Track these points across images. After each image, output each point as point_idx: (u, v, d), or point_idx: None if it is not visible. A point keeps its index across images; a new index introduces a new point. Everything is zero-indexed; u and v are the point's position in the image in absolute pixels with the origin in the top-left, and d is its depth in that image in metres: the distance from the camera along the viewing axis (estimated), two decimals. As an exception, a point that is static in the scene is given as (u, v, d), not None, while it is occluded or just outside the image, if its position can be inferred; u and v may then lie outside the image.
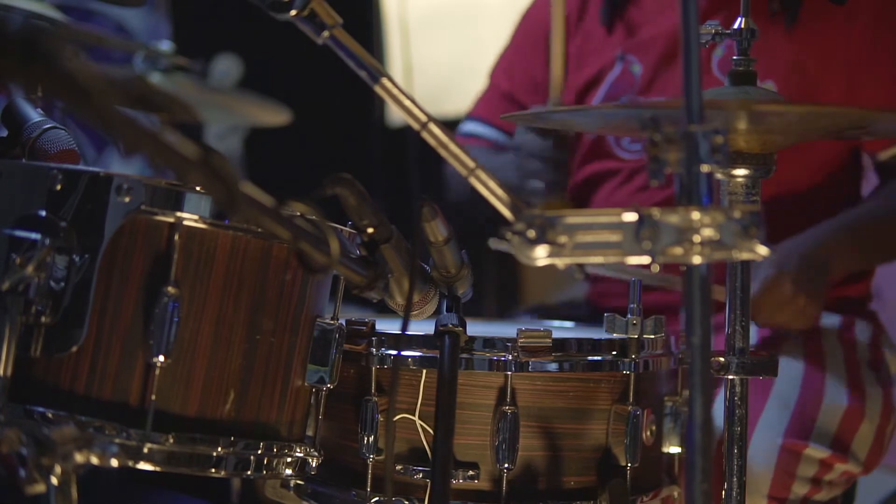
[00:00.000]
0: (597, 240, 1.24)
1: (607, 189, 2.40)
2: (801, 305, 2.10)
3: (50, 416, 1.40)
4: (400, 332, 1.54)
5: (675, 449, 1.83)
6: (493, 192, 1.44)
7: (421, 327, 1.67)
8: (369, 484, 1.68)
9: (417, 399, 1.68)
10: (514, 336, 1.66)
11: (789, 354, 2.13)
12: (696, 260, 1.23)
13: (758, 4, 1.69)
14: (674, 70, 2.31)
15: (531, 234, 1.25)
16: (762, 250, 1.22)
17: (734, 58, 1.71)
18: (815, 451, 2.00)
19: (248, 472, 1.51)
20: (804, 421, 2.03)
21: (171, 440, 1.43)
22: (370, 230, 1.55)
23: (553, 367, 1.69)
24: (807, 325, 2.14)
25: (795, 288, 2.09)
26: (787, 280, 2.09)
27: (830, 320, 2.26)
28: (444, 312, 1.58)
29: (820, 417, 2.05)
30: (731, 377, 1.70)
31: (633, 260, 1.24)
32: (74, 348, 1.41)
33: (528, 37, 2.56)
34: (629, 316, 1.71)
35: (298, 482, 1.73)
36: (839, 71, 2.24)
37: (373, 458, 1.68)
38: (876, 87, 2.24)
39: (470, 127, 2.59)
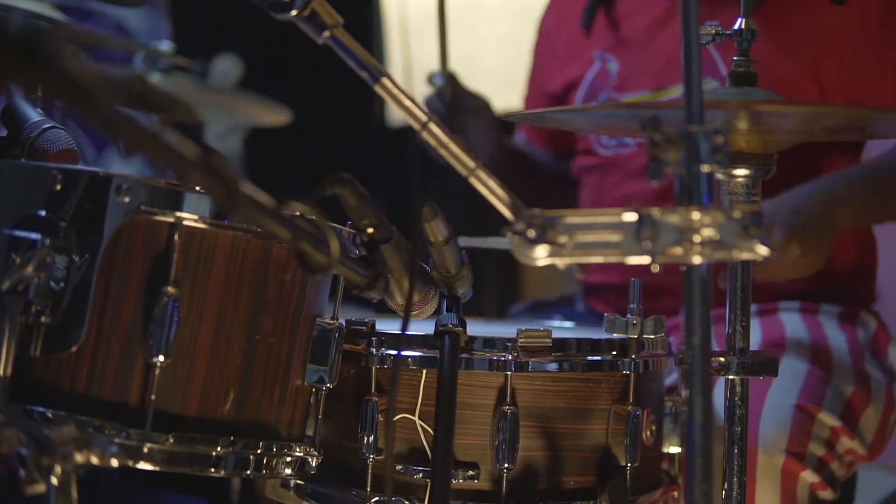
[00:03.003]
0: (597, 240, 1.24)
1: (590, 182, 2.48)
2: (795, 254, 2.03)
3: (50, 416, 1.40)
4: (400, 332, 1.54)
5: (675, 449, 1.83)
6: (492, 192, 1.44)
7: (421, 327, 1.67)
8: (369, 484, 1.68)
9: (417, 399, 1.68)
10: (514, 336, 1.66)
11: (794, 351, 2.13)
12: (696, 260, 1.23)
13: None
14: (646, 65, 2.36)
15: (531, 233, 1.25)
16: (762, 250, 1.22)
17: (734, 58, 1.71)
18: (827, 418, 1.99)
19: (248, 472, 1.51)
20: (815, 390, 2.03)
21: (171, 440, 1.43)
22: (370, 230, 1.55)
23: (553, 367, 1.69)
24: (806, 271, 2.07)
25: (787, 237, 2.03)
26: (776, 230, 2.02)
27: (832, 309, 2.26)
28: (444, 312, 1.58)
29: (830, 390, 2.04)
30: (731, 377, 1.70)
31: (634, 260, 1.24)
32: (74, 348, 1.41)
33: (537, 48, 2.67)
34: (629, 316, 1.71)
35: (298, 482, 1.73)
36: (809, 69, 2.23)
37: (373, 458, 1.68)
38: (847, 92, 2.23)
39: None
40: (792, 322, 2.23)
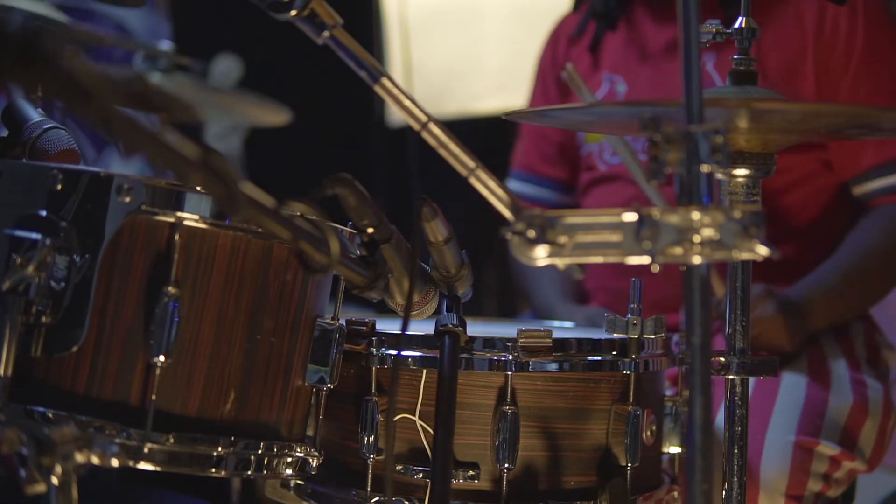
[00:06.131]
0: (597, 240, 1.24)
1: (594, 194, 2.49)
2: (780, 324, 2.10)
3: (50, 415, 1.40)
4: (400, 332, 1.55)
5: (675, 449, 1.83)
6: (492, 192, 1.44)
7: (421, 327, 1.67)
8: (369, 484, 1.69)
9: (417, 399, 1.68)
10: (514, 336, 1.66)
11: (792, 367, 2.14)
12: (696, 260, 1.23)
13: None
14: (654, 87, 2.38)
15: (531, 234, 1.25)
16: (762, 250, 1.22)
17: (734, 57, 1.70)
18: (826, 448, 2.01)
19: (249, 472, 1.51)
20: (814, 418, 2.04)
21: (172, 440, 1.43)
22: (370, 230, 1.55)
23: (553, 367, 1.69)
24: (781, 344, 2.11)
25: (779, 308, 2.10)
26: (774, 299, 2.10)
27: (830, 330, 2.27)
28: (444, 312, 1.58)
29: (828, 415, 2.06)
30: (731, 377, 1.70)
31: (633, 260, 1.24)
32: (75, 348, 1.41)
33: (540, 84, 2.66)
34: (629, 316, 1.71)
35: (298, 482, 1.73)
36: (809, 70, 2.24)
37: (373, 458, 1.68)
38: (851, 91, 2.23)
39: (512, 186, 2.65)
40: None
